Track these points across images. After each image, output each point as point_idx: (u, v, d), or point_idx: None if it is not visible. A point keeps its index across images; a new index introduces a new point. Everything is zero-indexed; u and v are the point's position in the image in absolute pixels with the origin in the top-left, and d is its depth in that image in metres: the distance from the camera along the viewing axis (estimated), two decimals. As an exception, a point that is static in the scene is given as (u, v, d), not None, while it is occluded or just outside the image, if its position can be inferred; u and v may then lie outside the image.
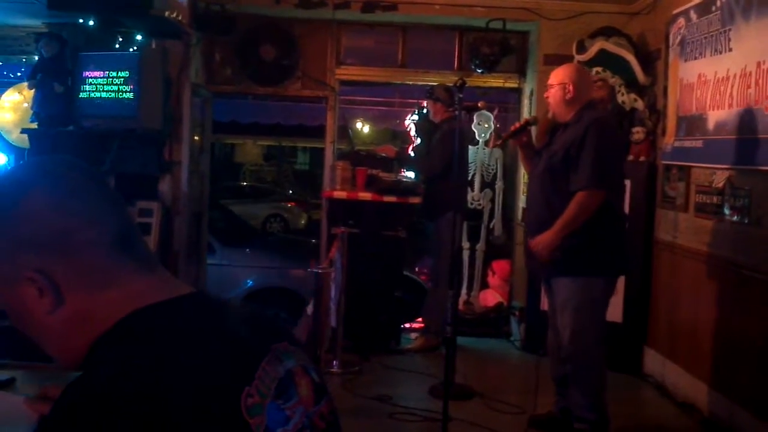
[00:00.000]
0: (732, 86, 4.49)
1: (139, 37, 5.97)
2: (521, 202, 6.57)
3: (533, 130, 4.86)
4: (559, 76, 4.37)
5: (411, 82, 7.44)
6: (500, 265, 7.45)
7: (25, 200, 1.04)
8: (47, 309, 1.04)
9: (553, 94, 4.33)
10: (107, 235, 1.06)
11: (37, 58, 6.03)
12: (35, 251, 1.02)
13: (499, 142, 4.64)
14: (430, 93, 6.27)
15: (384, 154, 6.64)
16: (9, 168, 1.06)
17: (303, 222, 18.26)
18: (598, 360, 4.26)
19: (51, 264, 1.03)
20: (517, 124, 4.52)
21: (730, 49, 4.54)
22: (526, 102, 6.82)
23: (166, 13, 5.32)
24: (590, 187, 4.09)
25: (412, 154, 7.47)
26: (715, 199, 4.77)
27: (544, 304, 4.85)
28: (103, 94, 5.68)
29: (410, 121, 8.29)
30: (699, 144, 4.94)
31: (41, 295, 1.03)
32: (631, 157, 5.83)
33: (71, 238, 1.03)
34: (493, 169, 7.14)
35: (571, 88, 4.27)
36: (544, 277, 4.43)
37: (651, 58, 5.89)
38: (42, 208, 1.03)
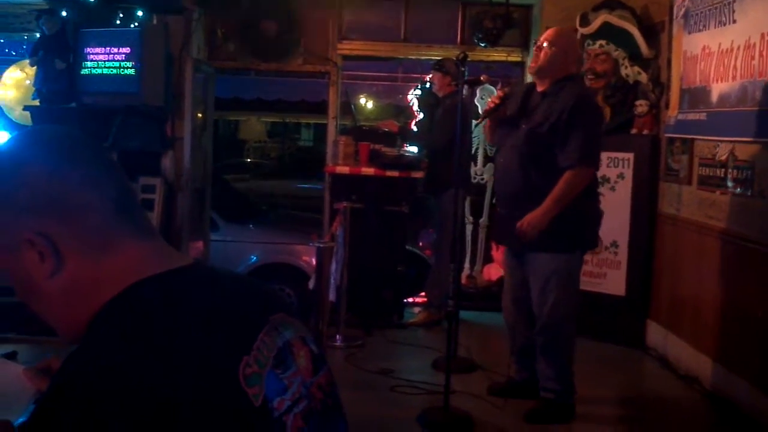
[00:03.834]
0: (736, 58, 4.46)
1: (140, 13, 5.95)
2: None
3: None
4: (563, 39, 4.25)
5: (414, 57, 7.42)
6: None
7: (22, 167, 1.05)
8: (48, 273, 1.05)
9: (551, 55, 4.18)
10: (105, 198, 1.07)
11: (38, 35, 6.01)
12: (34, 215, 1.04)
13: (479, 121, 4.52)
14: (439, 65, 6.22)
15: (387, 129, 6.62)
16: (5, 139, 1.08)
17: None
18: (570, 333, 4.29)
19: (50, 227, 1.04)
20: (496, 99, 4.37)
21: (735, 21, 4.50)
22: (529, 76, 6.78)
23: (167, -12, 5.30)
24: (581, 166, 4.08)
25: (415, 128, 7.46)
26: (718, 172, 4.76)
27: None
28: (105, 71, 5.66)
29: (413, 96, 8.26)
30: (702, 117, 4.92)
31: (42, 259, 1.04)
32: (634, 131, 5.82)
33: (69, 200, 1.04)
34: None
35: (573, 57, 4.23)
36: (517, 251, 4.37)
37: (655, 30, 5.85)
38: (39, 174, 1.04)
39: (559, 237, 4.10)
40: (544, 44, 4.21)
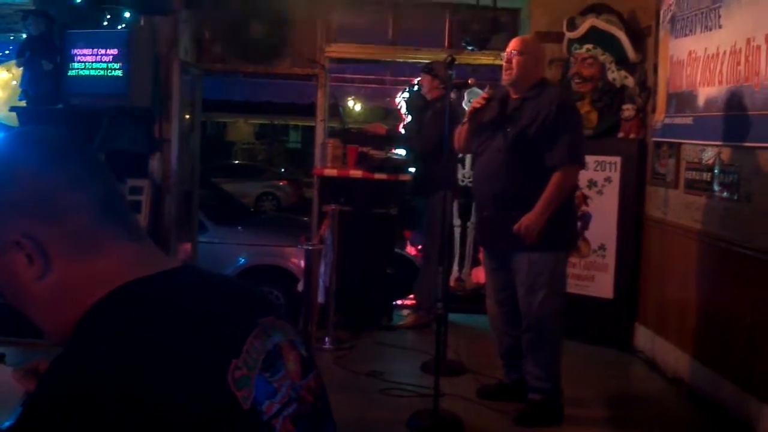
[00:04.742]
0: (722, 63, 4.49)
1: (127, 15, 5.93)
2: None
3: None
4: (530, 45, 4.38)
5: (401, 60, 7.41)
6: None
7: (11, 168, 1.05)
8: (36, 276, 1.04)
9: (522, 63, 4.27)
10: (92, 199, 1.06)
11: (24, 36, 5.99)
12: (21, 217, 1.03)
13: (464, 122, 4.55)
14: (428, 68, 6.22)
15: (374, 132, 6.62)
16: None
17: (295, 200, 18.28)
18: (557, 332, 4.33)
19: (37, 228, 1.03)
20: (481, 100, 4.41)
21: (720, 26, 4.53)
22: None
23: (155, -10, 5.29)
24: (570, 164, 4.19)
25: (403, 131, 7.46)
26: (704, 176, 4.79)
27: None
28: (92, 72, 5.65)
29: (401, 99, 8.26)
30: (689, 121, 4.94)
31: (30, 262, 1.04)
32: (621, 134, 5.84)
33: (56, 201, 1.04)
34: (484, 147, 7.12)
35: (542, 61, 4.33)
36: (502, 252, 4.39)
37: (641, 35, 5.88)
38: (25, 174, 1.04)
39: (546, 236, 4.14)
40: (513, 53, 4.30)
